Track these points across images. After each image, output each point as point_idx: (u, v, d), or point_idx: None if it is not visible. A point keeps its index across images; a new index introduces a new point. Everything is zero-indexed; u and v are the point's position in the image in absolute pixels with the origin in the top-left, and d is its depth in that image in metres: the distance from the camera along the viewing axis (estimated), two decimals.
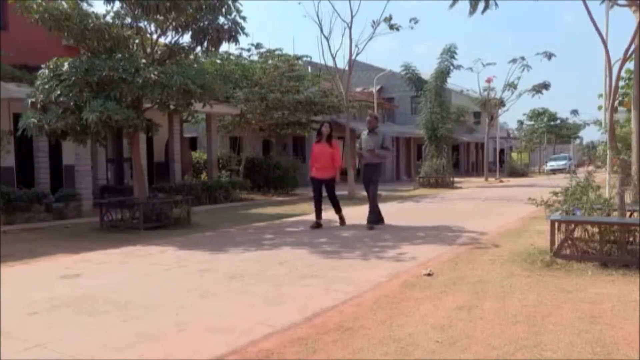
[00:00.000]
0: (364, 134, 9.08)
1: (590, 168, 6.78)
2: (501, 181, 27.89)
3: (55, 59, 8.65)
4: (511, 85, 28.93)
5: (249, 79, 17.38)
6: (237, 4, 9.28)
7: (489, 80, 29.16)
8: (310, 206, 10.64)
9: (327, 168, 8.90)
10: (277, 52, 18.67)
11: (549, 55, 25.32)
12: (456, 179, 24.35)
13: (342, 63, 18.53)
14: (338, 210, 9.19)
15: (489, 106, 30.08)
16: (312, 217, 9.30)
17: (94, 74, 8.20)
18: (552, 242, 5.57)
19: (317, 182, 9.03)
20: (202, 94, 8.97)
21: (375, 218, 8.80)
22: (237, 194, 15.29)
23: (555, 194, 6.16)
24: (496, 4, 6.90)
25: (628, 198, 5.93)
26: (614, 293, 4.38)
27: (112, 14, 9.27)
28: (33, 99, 8.43)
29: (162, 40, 9.77)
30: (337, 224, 9.16)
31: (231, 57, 18.49)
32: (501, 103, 30.45)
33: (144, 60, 8.94)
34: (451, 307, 4.09)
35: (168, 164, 15.54)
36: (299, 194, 17.16)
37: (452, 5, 7.31)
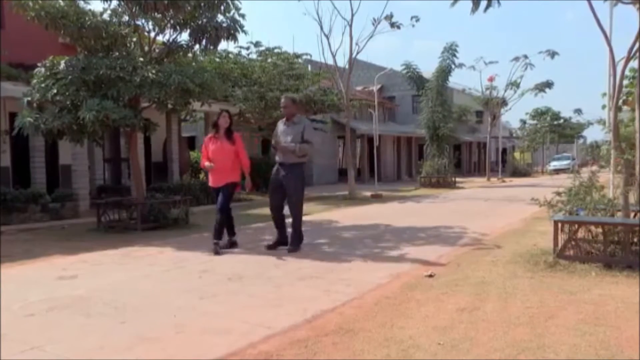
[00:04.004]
0: (280, 124, 7.02)
1: (594, 168, 6.69)
2: (503, 181, 27.84)
3: (51, 58, 8.59)
4: (514, 84, 28.87)
5: (248, 78, 17.34)
6: (236, 2, 9.22)
7: (491, 79, 29.11)
8: (308, 206, 10.56)
9: (227, 171, 6.78)
10: (276, 51, 18.64)
11: (552, 54, 25.17)
12: (458, 179, 24.29)
13: (342, 61, 18.53)
14: (231, 232, 7.04)
15: (491, 105, 30.04)
16: (311, 217, 9.18)
17: (91, 72, 8.14)
18: (555, 242, 5.53)
19: (218, 193, 6.95)
20: (201, 93, 8.90)
21: (298, 240, 6.94)
22: (236, 194, 15.22)
23: (559, 194, 6.09)
24: (498, 2, 6.81)
25: (632, 198, 5.87)
26: (617, 294, 4.33)
27: (109, 11, 9.20)
28: (29, 98, 8.37)
29: (160, 38, 9.73)
30: (337, 224, 8.89)
31: (230, 55, 18.46)
32: (503, 102, 30.39)
33: (141, 59, 8.87)
34: (453, 308, 4.03)
35: (166, 164, 15.51)
36: None
37: (453, 4, 7.21)
